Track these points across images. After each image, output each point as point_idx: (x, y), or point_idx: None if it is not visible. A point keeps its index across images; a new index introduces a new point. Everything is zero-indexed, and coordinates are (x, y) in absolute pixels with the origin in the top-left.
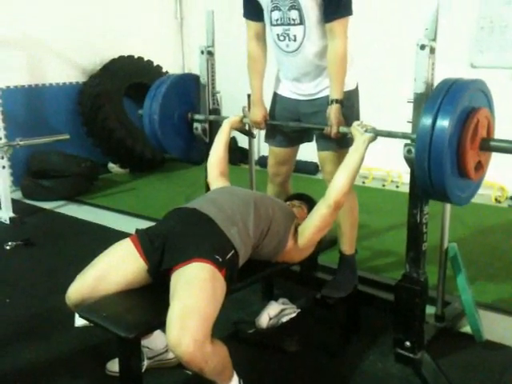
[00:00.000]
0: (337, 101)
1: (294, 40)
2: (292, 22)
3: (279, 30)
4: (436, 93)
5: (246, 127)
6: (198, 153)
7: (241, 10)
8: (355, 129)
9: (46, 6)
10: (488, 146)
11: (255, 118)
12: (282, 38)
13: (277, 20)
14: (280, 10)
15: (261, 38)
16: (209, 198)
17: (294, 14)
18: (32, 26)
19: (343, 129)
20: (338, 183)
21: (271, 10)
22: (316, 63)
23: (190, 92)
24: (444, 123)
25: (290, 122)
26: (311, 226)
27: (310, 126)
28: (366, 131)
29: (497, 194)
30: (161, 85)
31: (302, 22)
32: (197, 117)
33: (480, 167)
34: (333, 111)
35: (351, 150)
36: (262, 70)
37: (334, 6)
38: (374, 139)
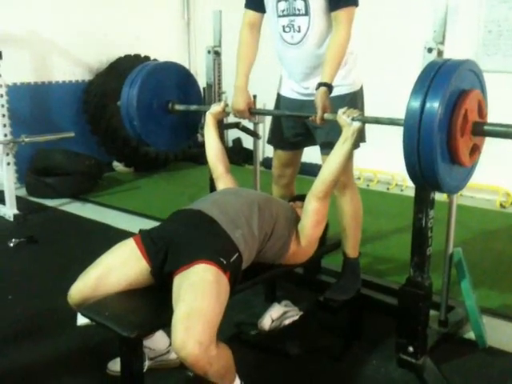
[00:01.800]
0: (325, 84)
1: (299, 31)
2: (297, 13)
3: (285, 21)
4: (424, 75)
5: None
6: (177, 143)
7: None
8: (341, 118)
9: (54, 5)
10: (481, 130)
11: (237, 106)
12: (287, 29)
13: (283, 11)
14: (286, 0)
15: (255, 27)
16: (213, 200)
17: (299, 4)
18: (40, 23)
19: (328, 116)
20: (326, 174)
21: (278, 1)
22: (319, 56)
23: (171, 81)
24: (433, 106)
25: (275, 111)
26: (308, 223)
27: (297, 114)
28: (352, 119)
29: (502, 199)
30: (139, 72)
31: (306, 13)
32: (177, 107)
33: (475, 150)
34: (319, 94)
35: (340, 140)
36: (251, 57)
37: None
38: (362, 126)
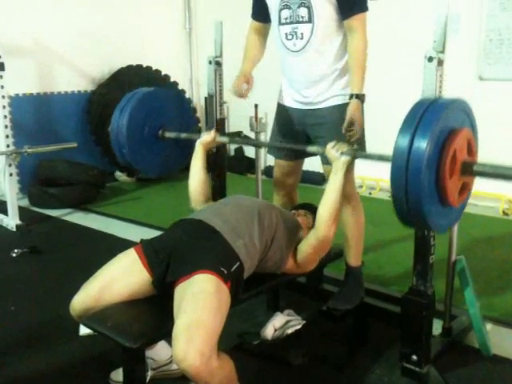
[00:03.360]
0: (357, 96)
1: (301, 38)
2: (300, 20)
3: (288, 28)
4: (412, 113)
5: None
6: (168, 169)
7: (248, 22)
8: (330, 152)
9: (58, 16)
10: (470, 170)
11: (238, 80)
12: (289, 36)
13: (286, 18)
14: (290, 8)
15: (261, 34)
16: (214, 209)
17: (302, 11)
18: (43, 34)
19: (318, 149)
20: (324, 217)
21: (280, 9)
22: (320, 65)
23: (162, 108)
24: (421, 146)
25: (274, 143)
26: (304, 254)
27: (291, 147)
28: (342, 153)
29: (505, 206)
30: (131, 98)
31: (310, 20)
32: (168, 134)
33: (465, 190)
34: (350, 107)
35: (331, 175)
36: (255, 56)
37: (350, 3)
38: (351, 161)
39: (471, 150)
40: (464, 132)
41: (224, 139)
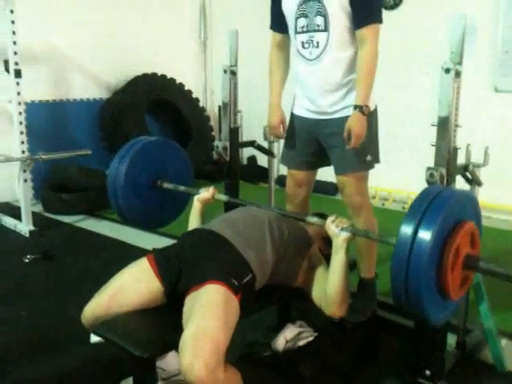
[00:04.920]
0: (360, 108)
1: (317, 46)
2: (317, 28)
3: (304, 37)
4: (419, 201)
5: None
6: (163, 221)
7: (263, 31)
8: (330, 229)
9: (74, 24)
10: (473, 265)
11: (271, 122)
12: (306, 45)
13: (302, 27)
14: (307, 16)
15: (283, 47)
16: (226, 220)
17: (319, 20)
18: (59, 43)
19: (316, 220)
20: (333, 298)
21: (297, 18)
22: (335, 74)
23: (161, 158)
24: (425, 237)
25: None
26: (314, 298)
27: (307, 219)
28: (342, 229)
29: None
30: (129, 149)
31: (326, 29)
32: (166, 185)
33: (465, 283)
34: (351, 119)
35: (332, 253)
36: (282, 75)
37: (363, 13)
38: (352, 237)
39: (475, 242)
40: (468, 225)
41: (223, 197)
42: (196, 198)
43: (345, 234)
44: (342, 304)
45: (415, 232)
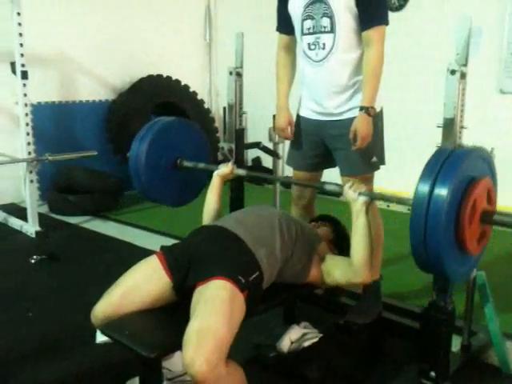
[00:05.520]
0: (366, 109)
1: (323, 48)
2: (323, 30)
3: (311, 38)
4: (433, 161)
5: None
6: (182, 200)
7: (267, 33)
8: (348, 193)
9: (80, 26)
10: (489, 219)
11: (279, 125)
12: (312, 46)
13: (308, 29)
14: (313, 18)
15: (290, 49)
16: (236, 218)
17: (325, 21)
18: (66, 44)
19: (334, 187)
20: (358, 260)
21: (303, 20)
22: (341, 75)
23: (181, 138)
24: (441, 195)
25: (291, 180)
26: (335, 280)
27: (307, 184)
28: (360, 194)
29: None
30: (149, 128)
31: (332, 30)
32: (186, 164)
33: (484, 237)
34: (357, 121)
35: (353, 218)
36: (289, 77)
37: (370, 15)
38: (369, 201)
39: (491, 198)
40: (484, 181)
41: (242, 172)
42: (215, 173)
43: (363, 198)
44: (370, 267)
45: (432, 189)
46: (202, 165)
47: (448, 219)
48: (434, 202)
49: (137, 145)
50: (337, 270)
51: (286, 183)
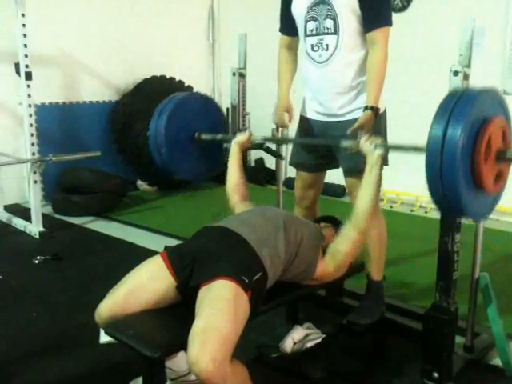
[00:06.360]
0: (371, 108)
1: (326, 50)
2: (326, 31)
3: (314, 40)
4: (446, 102)
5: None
6: (201, 173)
7: (272, 34)
8: (364, 146)
9: (84, 27)
10: (504, 157)
11: (278, 110)
12: (316, 48)
13: (312, 30)
14: (316, 19)
15: (291, 48)
16: (240, 218)
17: (328, 23)
18: (70, 45)
19: (351, 143)
20: (363, 208)
21: (307, 21)
22: (345, 77)
23: (198, 112)
24: (455, 133)
25: (304, 139)
26: (342, 252)
27: (320, 142)
28: (376, 146)
29: None
30: (167, 103)
31: (335, 32)
32: (203, 136)
33: (500, 177)
34: (363, 117)
35: (366, 169)
36: (290, 73)
37: (374, 16)
38: (385, 154)
39: (506, 138)
40: (498, 120)
41: (258, 139)
42: (233, 141)
43: (379, 151)
44: (369, 219)
45: (445, 128)
46: (219, 136)
47: (464, 157)
48: (449, 140)
49: (155, 121)
50: (338, 244)
51: (301, 143)
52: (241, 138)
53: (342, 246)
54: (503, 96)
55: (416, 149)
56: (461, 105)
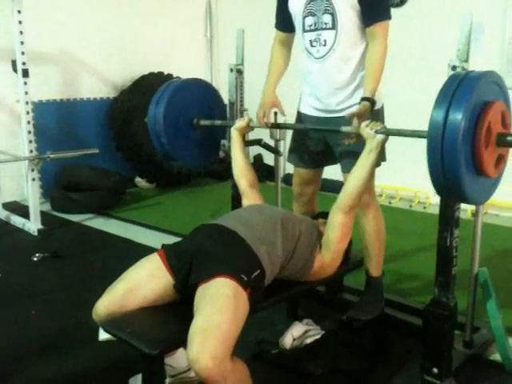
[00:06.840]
0: (368, 99)
1: (324, 45)
2: (324, 27)
3: (312, 35)
4: (447, 87)
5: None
6: (202, 159)
7: (269, 30)
8: (365, 131)
9: (82, 24)
10: (504, 141)
11: (265, 106)
12: (314, 43)
13: (310, 26)
14: (314, 15)
15: (285, 45)
16: (237, 216)
17: (326, 18)
18: (68, 42)
19: (351, 128)
20: (351, 187)
21: (304, 16)
22: (343, 72)
23: (197, 97)
24: (456, 117)
25: (296, 124)
26: (334, 237)
27: (321, 128)
28: (376, 132)
29: None
30: (165, 90)
31: (333, 27)
32: (202, 122)
33: (501, 161)
34: (361, 107)
35: (363, 153)
36: (281, 67)
37: (373, 10)
38: (386, 140)
39: (505, 122)
40: (498, 104)
41: (257, 124)
42: (233, 128)
43: (380, 136)
44: (356, 200)
45: (447, 112)
46: (218, 122)
47: (464, 141)
48: (450, 125)
49: (153, 107)
50: (328, 231)
51: (305, 129)
52: (240, 123)
53: (332, 233)
54: (503, 80)
55: (416, 134)
56: (462, 89)
